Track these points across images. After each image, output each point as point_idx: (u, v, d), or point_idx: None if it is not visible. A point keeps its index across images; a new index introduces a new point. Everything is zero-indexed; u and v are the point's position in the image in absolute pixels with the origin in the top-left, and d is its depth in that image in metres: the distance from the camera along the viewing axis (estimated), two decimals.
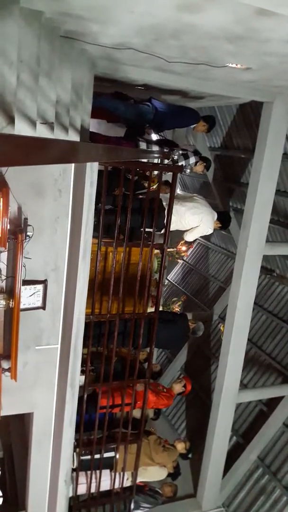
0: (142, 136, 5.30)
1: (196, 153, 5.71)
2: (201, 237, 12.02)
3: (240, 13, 2.66)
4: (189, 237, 5.71)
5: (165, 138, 5.91)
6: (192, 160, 5.47)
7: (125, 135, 5.42)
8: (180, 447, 6.06)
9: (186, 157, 5.40)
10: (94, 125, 5.62)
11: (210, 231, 5.70)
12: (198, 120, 5.49)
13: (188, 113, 5.51)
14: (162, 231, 5.20)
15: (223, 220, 5.76)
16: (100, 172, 4.44)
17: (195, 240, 12.32)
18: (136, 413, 5.75)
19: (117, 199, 4.75)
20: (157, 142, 5.44)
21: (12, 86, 3.06)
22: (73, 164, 4.39)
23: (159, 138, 5.72)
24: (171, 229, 5.21)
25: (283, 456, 7.13)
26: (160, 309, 6.25)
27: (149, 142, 5.25)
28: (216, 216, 5.65)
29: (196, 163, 5.54)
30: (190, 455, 6.20)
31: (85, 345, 4.91)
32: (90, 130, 4.41)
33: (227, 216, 5.99)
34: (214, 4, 2.56)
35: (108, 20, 3.13)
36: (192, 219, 5.48)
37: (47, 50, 3.41)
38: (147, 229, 5.00)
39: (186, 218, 5.45)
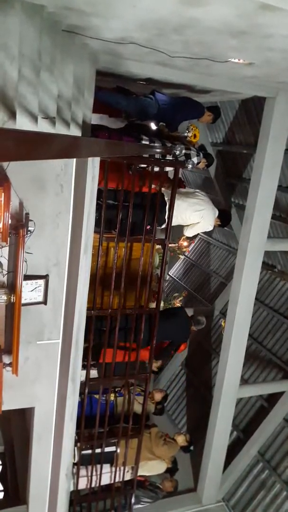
0: (143, 131, 5.27)
1: (201, 148, 5.68)
2: (202, 232, 12.05)
3: (243, 8, 2.64)
4: (189, 233, 5.71)
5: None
6: (195, 160, 5.45)
7: (125, 127, 5.37)
8: (181, 440, 6.09)
9: (188, 157, 5.37)
10: (96, 120, 5.59)
11: (210, 228, 5.72)
12: (203, 113, 5.45)
13: (192, 106, 5.45)
14: (163, 226, 5.20)
15: (224, 218, 5.77)
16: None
17: (196, 236, 12.33)
18: (137, 408, 5.77)
19: (119, 194, 4.74)
20: (157, 133, 5.38)
21: (14, 81, 3.06)
22: (74, 159, 4.38)
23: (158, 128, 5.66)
24: (172, 224, 5.21)
25: (283, 451, 7.15)
26: (162, 304, 6.25)
27: (152, 139, 5.21)
28: (217, 213, 5.65)
29: (198, 163, 5.53)
30: (191, 448, 6.23)
31: (86, 340, 4.92)
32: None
33: (228, 215, 6.02)
34: None
35: (110, 15, 3.11)
36: (193, 215, 5.47)
37: (49, 44, 3.39)
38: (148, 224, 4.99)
39: (187, 214, 5.44)
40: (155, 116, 5.21)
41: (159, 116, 5.23)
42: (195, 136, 5.54)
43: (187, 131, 5.47)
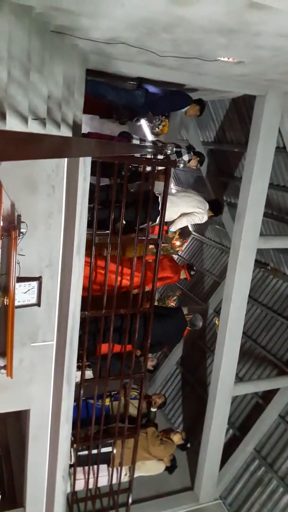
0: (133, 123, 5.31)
1: (190, 148, 5.71)
2: (195, 231, 12.10)
3: (232, 6, 2.65)
4: (182, 223, 5.75)
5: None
6: (186, 157, 5.49)
7: (119, 135, 5.42)
8: (177, 438, 6.10)
9: (179, 154, 5.40)
10: (87, 121, 5.60)
11: (205, 218, 5.75)
12: (190, 103, 5.47)
13: (180, 96, 5.47)
14: (156, 223, 5.21)
15: (215, 208, 5.84)
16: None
17: (189, 235, 12.36)
18: (133, 411, 5.76)
19: (111, 194, 4.73)
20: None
21: (3, 82, 3.05)
22: (66, 160, 4.37)
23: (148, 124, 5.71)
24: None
25: (279, 447, 7.18)
26: (156, 304, 6.26)
27: (142, 138, 5.23)
28: (207, 206, 5.74)
29: (189, 160, 5.56)
30: (188, 445, 6.24)
31: (81, 341, 4.91)
32: (82, 127, 4.39)
33: (218, 203, 6.09)
34: None
35: (99, 14, 3.11)
36: (187, 205, 5.59)
37: (38, 45, 3.39)
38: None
39: (180, 206, 5.54)
40: (144, 106, 5.23)
41: (147, 106, 5.25)
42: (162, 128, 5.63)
43: (159, 122, 5.50)
